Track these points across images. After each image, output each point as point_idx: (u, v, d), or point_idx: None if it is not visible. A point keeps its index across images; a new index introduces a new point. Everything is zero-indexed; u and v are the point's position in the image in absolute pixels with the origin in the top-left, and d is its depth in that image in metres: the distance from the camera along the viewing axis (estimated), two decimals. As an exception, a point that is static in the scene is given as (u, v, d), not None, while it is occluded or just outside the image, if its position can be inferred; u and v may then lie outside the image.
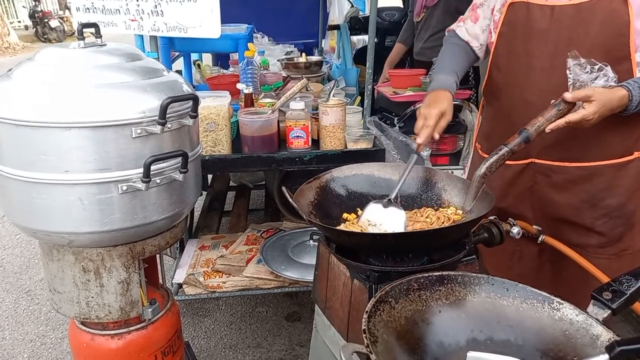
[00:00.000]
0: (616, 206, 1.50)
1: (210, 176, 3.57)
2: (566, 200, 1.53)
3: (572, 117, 1.29)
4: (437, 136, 1.42)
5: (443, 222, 1.34)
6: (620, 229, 1.53)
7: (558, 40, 1.42)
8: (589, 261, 1.40)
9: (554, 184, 1.54)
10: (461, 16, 1.72)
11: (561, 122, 1.30)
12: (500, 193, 1.57)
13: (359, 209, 1.43)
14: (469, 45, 1.67)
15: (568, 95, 1.29)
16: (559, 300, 0.98)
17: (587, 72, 1.30)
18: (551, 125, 1.31)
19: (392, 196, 1.37)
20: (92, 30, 1.32)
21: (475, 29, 1.66)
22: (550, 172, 1.53)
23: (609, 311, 0.94)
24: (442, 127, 1.43)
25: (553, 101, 1.33)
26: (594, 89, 1.29)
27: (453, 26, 1.74)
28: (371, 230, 1.32)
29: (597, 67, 1.30)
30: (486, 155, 1.68)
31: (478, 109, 2.80)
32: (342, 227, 1.36)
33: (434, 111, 1.41)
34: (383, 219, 1.32)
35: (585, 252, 1.47)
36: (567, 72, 1.32)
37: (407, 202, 1.46)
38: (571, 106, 1.30)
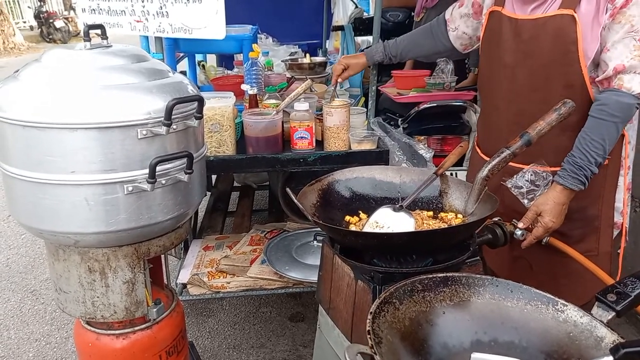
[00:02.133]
0: (575, 209, 1.51)
1: (214, 176, 3.58)
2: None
3: (538, 232, 1.41)
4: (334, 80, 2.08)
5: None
6: (579, 230, 1.56)
7: (517, 52, 1.49)
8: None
9: None
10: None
11: (531, 239, 1.42)
12: None
13: (360, 212, 1.43)
14: (446, 25, 1.80)
15: (520, 224, 1.41)
16: (563, 302, 0.98)
17: (525, 182, 1.46)
18: (524, 242, 1.43)
19: (405, 204, 1.38)
20: (98, 31, 1.33)
21: (456, 12, 1.77)
22: (514, 173, 1.54)
23: (614, 313, 0.94)
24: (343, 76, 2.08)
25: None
26: (535, 204, 1.42)
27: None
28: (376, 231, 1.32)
29: (527, 176, 1.46)
30: (479, 151, 1.76)
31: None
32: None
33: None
34: (391, 223, 1.32)
35: None
36: (512, 191, 1.46)
37: (408, 204, 1.46)
38: (571, 110, 1.32)
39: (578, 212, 1.54)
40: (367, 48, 1.96)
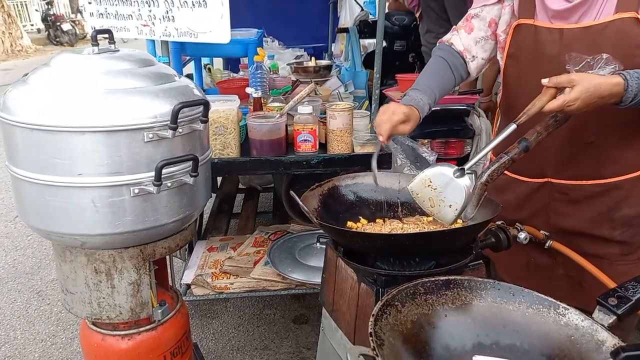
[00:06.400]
0: (634, 215, 1.43)
1: (219, 178, 3.60)
2: (583, 214, 1.48)
3: (552, 104, 1.23)
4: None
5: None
6: None
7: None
8: (609, 269, 1.38)
9: (571, 200, 1.49)
10: (454, 26, 1.63)
11: (535, 109, 1.24)
12: (514, 206, 1.53)
13: (361, 217, 1.45)
14: (462, 57, 1.58)
15: (545, 80, 1.23)
16: (564, 305, 0.99)
17: (586, 64, 1.23)
18: (530, 112, 1.25)
19: (467, 166, 1.28)
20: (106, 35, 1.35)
21: (469, 40, 1.57)
22: (567, 190, 1.48)
23: (615, 317, 0.95)
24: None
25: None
26: (578, 74, 1.22)
27: (447, 36, 1.62)
28: (427, 192, 1.29)
29: (597, 58, 1.21)
30: (510, 173, 1.58)
31: (484, 114, 2.80)
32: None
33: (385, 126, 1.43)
34: (444, 188, 1.27)
35: (606, 262, 1.43)
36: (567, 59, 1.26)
37: (408, 210, 1.48)
38: (567, 116, 1.28)
39: (638, 217, 1.43)
40: (405, 100, 1.47)
